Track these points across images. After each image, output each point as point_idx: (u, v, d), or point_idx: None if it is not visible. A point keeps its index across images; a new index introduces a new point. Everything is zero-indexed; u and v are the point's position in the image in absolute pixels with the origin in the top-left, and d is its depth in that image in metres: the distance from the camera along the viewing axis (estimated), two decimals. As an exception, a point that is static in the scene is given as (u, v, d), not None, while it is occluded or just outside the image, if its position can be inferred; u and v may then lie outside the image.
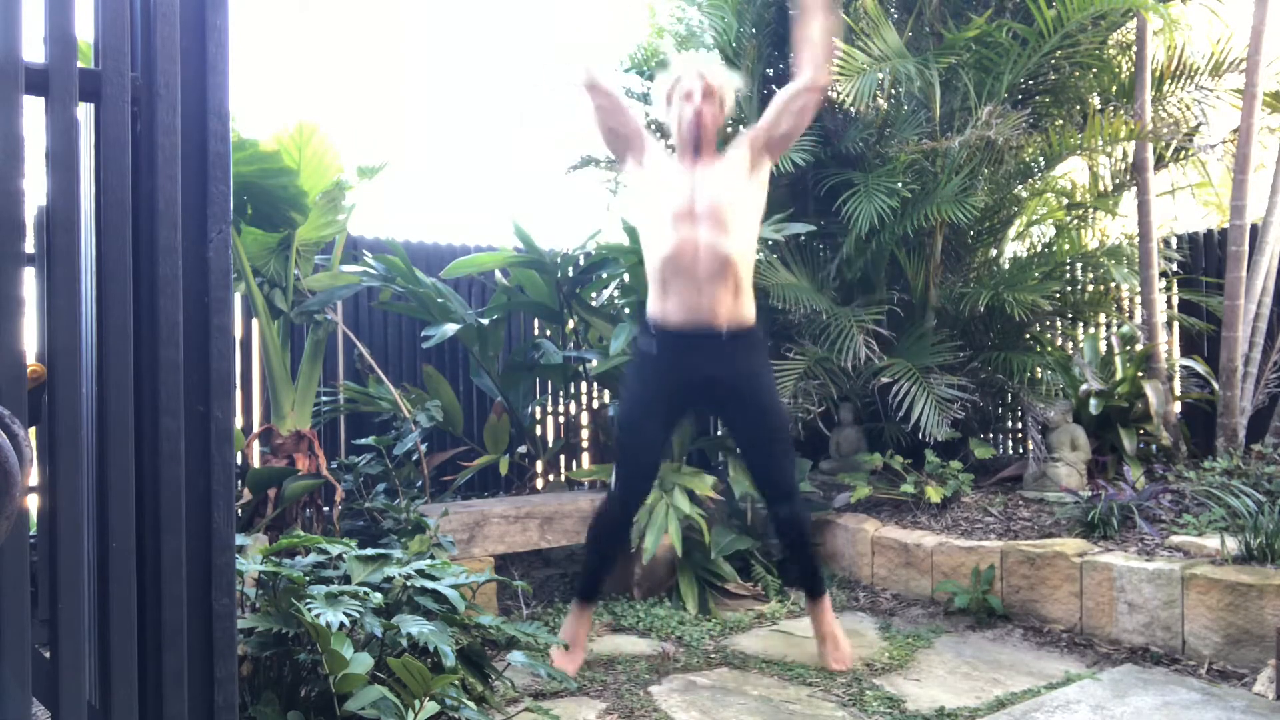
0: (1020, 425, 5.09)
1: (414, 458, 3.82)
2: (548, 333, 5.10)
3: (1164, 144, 4.29)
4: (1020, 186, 4.49)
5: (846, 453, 4.42)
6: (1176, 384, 4.54)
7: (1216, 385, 4.16)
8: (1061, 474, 3.81)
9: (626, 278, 4.02)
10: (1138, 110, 4.17)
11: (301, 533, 2.63)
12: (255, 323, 3.57)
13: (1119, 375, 4.35)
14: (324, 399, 4.18)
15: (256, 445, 3.94)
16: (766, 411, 2.75)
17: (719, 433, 4.86)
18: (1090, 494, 3.49)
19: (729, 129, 2.81)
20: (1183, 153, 4.45)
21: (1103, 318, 5.01)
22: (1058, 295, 4.43)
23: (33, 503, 1.51)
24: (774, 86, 4.60)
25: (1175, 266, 4.83)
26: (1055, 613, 3.08)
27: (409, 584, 1.99)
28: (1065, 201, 4.85)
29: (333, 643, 1.68)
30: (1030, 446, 4.01)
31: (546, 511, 3.52)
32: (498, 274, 4.61)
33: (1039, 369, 4.29)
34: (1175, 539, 3.03)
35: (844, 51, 3.86)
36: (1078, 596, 3.01)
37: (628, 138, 2.79)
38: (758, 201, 2.78)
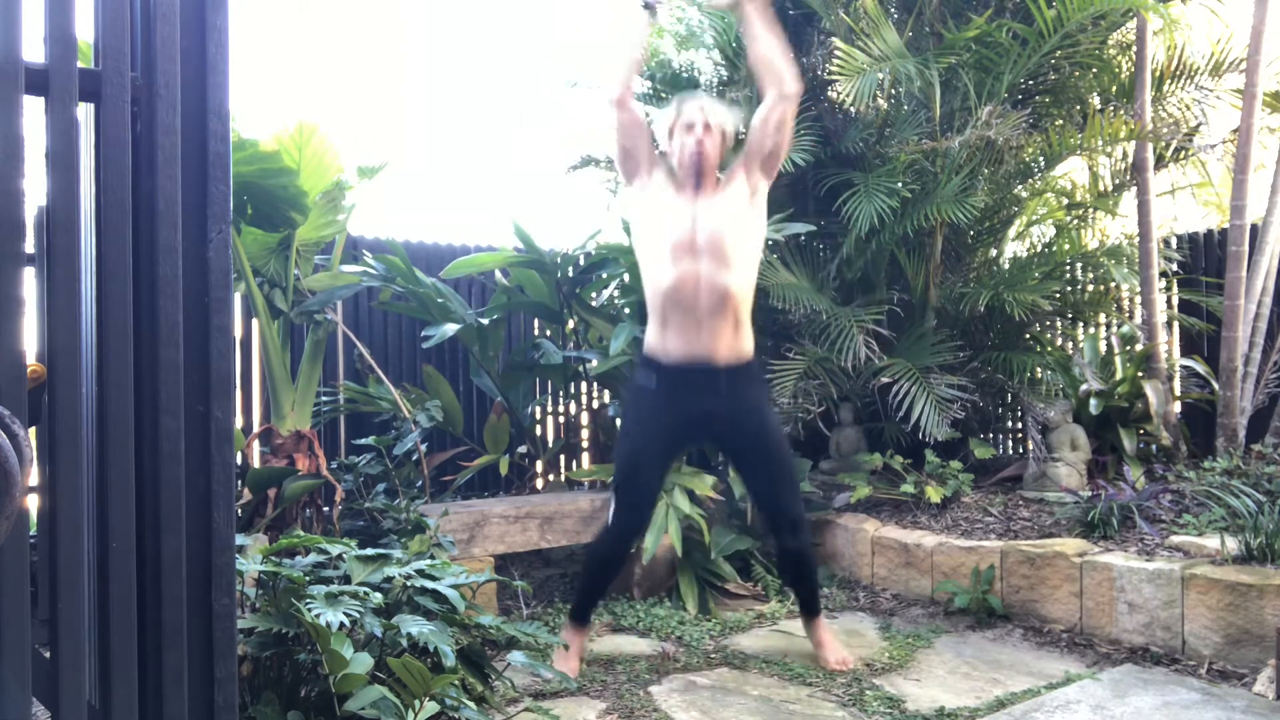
0: (1020, 425, 5.09)
1: (414, 458, 3.82)
2: (548, 333, 5.10)
3: (1164, 144, 4.29)
4: (1020, 186, 4.49)
5: (846, 453, 4.42)
6: (1176, 384, 4.54)
7: (1216, 385, 4.16)
8: (1061, 474, 3.81)
9: (626, 278, 4.01)
10: (1138, 110, 4.17)
11: (301, 533, 2.63)
12: (255, 323, 3.57)
13: (1119, 375, 4.35)
14: (324, 399, 4.18)
15: (256, 445, 3.94)
16: (770, 446, 2.74)
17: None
18: (1090, 494, 3.49)
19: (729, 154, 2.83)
20: (1183, 153, 4.45)
21: (1103, 318, 5.01)
22: (1058, 295, 4.43)
23: (33, 503, 1.51)
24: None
25: (1175, 266, 4.83)
26: (1055, 613, 3.08)
27: (409, 584, 1.99)
28: (1065, 201, 4.85)
29: (333, 643, 1.68)
30: (1030, 446, 4.01)
31: (546, 511, 3.52)
32: (498, 274, 4.61)
33: (1039, 369, 4.29)
34: (1175, 539, 3.03)
35: (844, 51, 3.86)
36: (1078, 596, 3.01)
37: (639, 161, 2.78)
38: (759, 230, 2.79)
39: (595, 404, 5.19)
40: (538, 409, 5.00)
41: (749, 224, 2.72)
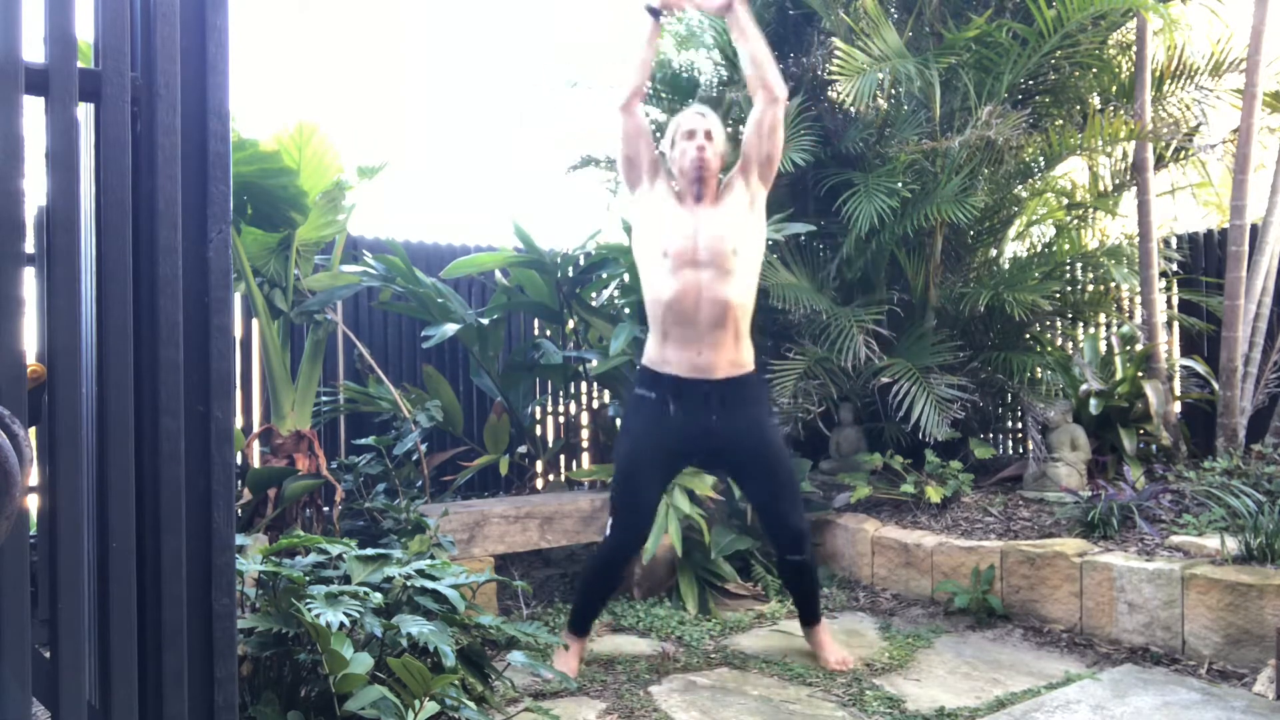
0: (1020, 425, 5.09)
1: (414, 458, 3.82)
2: (548, 333, 5.10)
3: (1164, 144, 4.29)
4: (1020, 186, 4.49)
5: (846, 453, 4.42)
6: (1176, 384, 4.54)
7: (1216, 385, 4.16)
8: (1061, 474, 3.81)
9: (626, 278, 4.01)
10: (1138, 110, 4.17)
11: (301, 533, 2.63)
12: (255, 323, 3.57)
13: (1119, 375, 4.35)
14: (324, 399, 4.19)
15: (256, 445, 3.94)
16: (771, 460, 2.74)
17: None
18: (1090, 494, 3.49)
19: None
20: (1183, 153, 4.45)
21: (1103, 318, 5.01)
22: (1058, 295, 4.43)
23: (33, 503, 1.51)
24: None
25: (1175, 266, 4.83)
26: (1055, 613, 3.08)
27: (409, 584, 1.99)
28: (1065, 201, 4.85)
29: (333, 643, 1.68)
30: (1030, 446, 4.01)
31: (546, 511, 3.52)
32: (498, 274, 4.61)
33: (1039, 369, 4.29)
34: (1175, 539, 3.03)
35: (844, 51, 3.86)
36: (1078, 596, 3.01)
37: (641, 169, 2.79)
38: (759, 239, 2.79)
39: (595, 404, 5.19)
40: (538, 409, 5.00)
41: (750, 233, 2.72)
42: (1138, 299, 4.69)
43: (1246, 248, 3.97)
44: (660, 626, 3.20)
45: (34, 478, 1.25)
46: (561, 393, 5.12)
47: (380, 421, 4.16)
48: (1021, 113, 3.86)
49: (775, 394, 3.88)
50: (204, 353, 1.28)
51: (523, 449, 4.58)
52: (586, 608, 2.82)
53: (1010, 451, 5.24)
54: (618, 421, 4.06)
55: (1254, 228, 4.12)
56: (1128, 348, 4.63)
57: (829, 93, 4.48)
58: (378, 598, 1.82)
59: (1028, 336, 4.66)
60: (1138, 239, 4.33)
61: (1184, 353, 4.83)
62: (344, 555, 2.06)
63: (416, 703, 1.68)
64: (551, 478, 4.59)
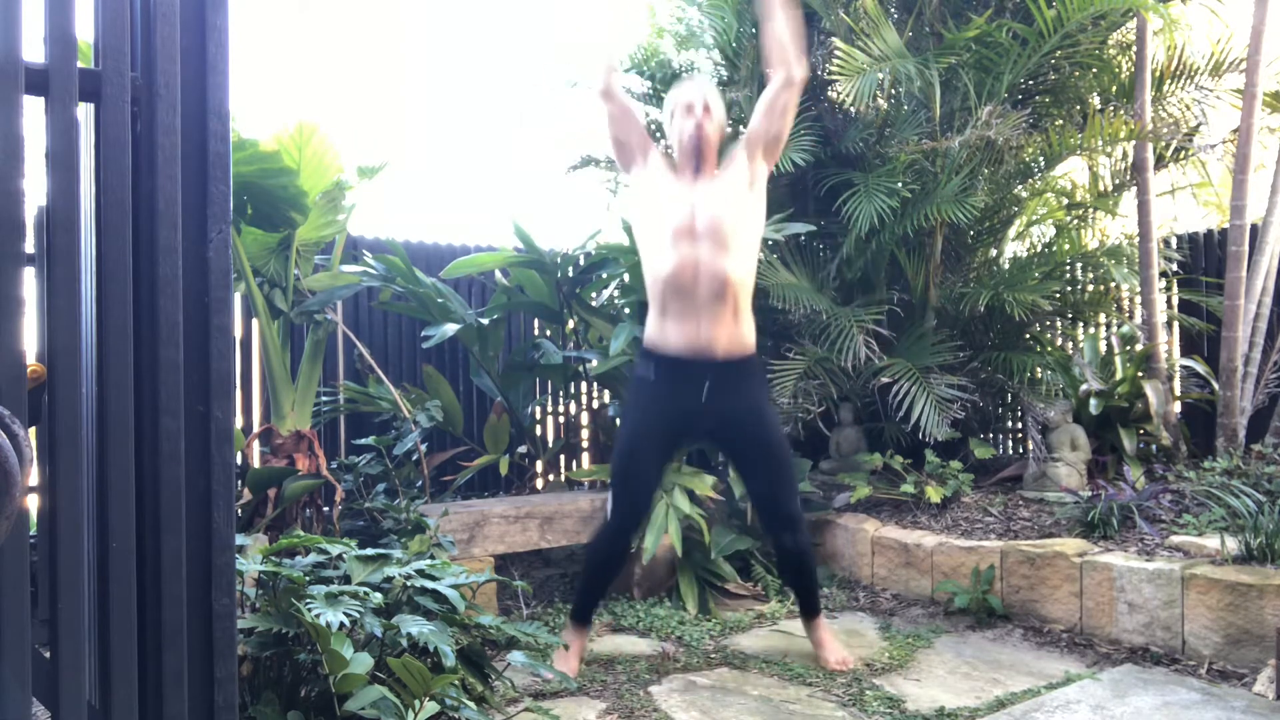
0: (1020, 425, 5.09)
1: (414, 458, 3.82)
2: (548, 333, 5.10)
3: (1164, 144, 4.29)
4: (1020, 186, 4.49)
5: (846, 453, 4.42)
6: (1176, 384, 4.54)
7: (1216, 385, 4.16)
8: (1061, 474, 3.81)
9: (626, 278, 4.02)
10: (1138, 110, 4.17)
11: (301, 533, 2.63)
12: (255, 323, 3.57)
13: (1119, 375, 4.35)
14: (324, 399, 4.19)
15: (256, 445, 3.94)
16: (768, 442, 2.73)
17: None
18: (1090, 494, 3.49)
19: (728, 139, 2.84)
20: (1183, 153, 4.45)
21: (1103, 318, 5.01)
22: (1058, 295, 4.43)
23: (33, 503, 1.51)
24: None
25: (1175, 266, 4.83)
26: (1055, 613, 3.08)
27: (409, 584, 1.99)
28: (1065, 201, 4.85)
29: (333, 643, 1.68)
30: (1030, 446, 4.01)
31: (546, 511, 3.52)
32: (498, 274, 4.61)
33: (1039, 369, 4.29)
34: (1175, 539, 3.03)
35: (844, 51, 3.86)
36: (1078, 596, 3.01)
37: (633, 149, 2.79)
38: (758, 216, 2.77)
39: (595, 404, 5.19)
40: (538, 409, 5.00)
41: (748, 209, 2.71)
42: (1138, 299, 4.69)
43: (1246, 248, 3.97)
44: (660, 626, 3.20)
45: (34, 478, 1.25)
46: (561, 393, 5.12)
47: (380, 421, 4.16)
48: (1021, 113, 3.86)
49: (775, 394, 3.88)
50: (204, 353, 1.28)
51: (523, 449, 4.58)
52: (589, 595, 2.81)
53: (1010, 451, 5.24)
54: (618, 421, 4.06)
55: (1254, 228, 4.12)
56: (1128, 348, 4.64)
57: (829, 93, 4.49)
58: (378, 598, 1.82)
59: (1028, 336, 4.66)
60: (1138, 239, 4.33)
61: (1184, 353, 4.83)
62: (344, 555, 2.06)
63: (416, 703, 1.68)
64: (551, 478, 4.59)
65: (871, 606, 3.52)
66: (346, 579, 2.00)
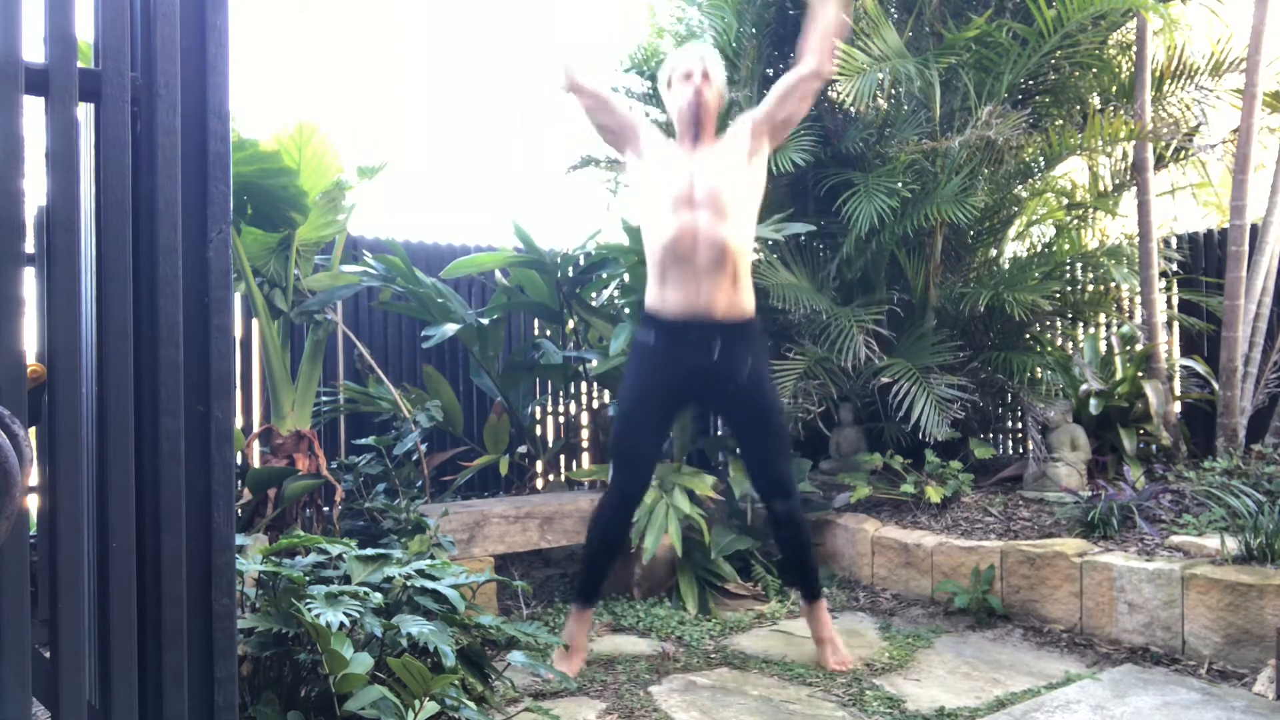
0: (1020, 425, 5.09)
1: (414, 458, 3.82)
2: (548, 333, 5.10)
3: (1164, 144, 4.29)
4: (1020, 186, 4.49)
5: (846, 453, 4.42)
6: (1176, 384, 4.54)
7: (1216, 385, 4.16)
8: (1061, 474, 3.81)
9: (626, 278, 4.02)
10: (1138, 110, 4.17)
11: (301, 533, 2.63)
12: (255, 323, 3.57)
13: (1119, 375, 4.35)
14: (324, 399, 4.19)
15: (256, 445, 3.94)
16: (764, 408, 2.74)
17: (719, 433, 4.87)
18: (1090, 494, 3.49)
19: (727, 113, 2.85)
20: (1183, 153, 4.45)
21: (1103, 318, 5.01)
22: (1058, 295, 4.43)
23: (33, 503, 1.51)
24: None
25: (1175, 266, 4.83)
26: (1055, 613, 3.08)
27: (409, 584, 1.99)
28: (1065, 201, 4.85)
29: (333, 643, 1.68)
30: (1030, 446, 4.00)
31: (546, 511, 3.52)
32: (498, 274, 4.61)
33: (1039, 369, 4.29)
34: (1175, 539, 3.03)
35: (844, 51, 3.85)
36: (1078, 596, 3.01)
37: (619, 131, 2.80)
38: (757, 186, 2.78)
39: (595, 404, 5.19)
40: (538, 409, 5.01)
41: (746, 179, 2.72)
42: (1138, 299, 4.69)
43: (1246, 248, 3.97)
44: (660, 626, 3.20)
45: (34, 478, 1.25)
46: (561, 393, 5.12)
47: (380, 421, 4.16)
48: (1021, 113, 3.86)
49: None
50: (204, 353, 1.28)
51: (523, 449, 4.58)
52: (593, 573, 2.80)
53: (1010, 451, 5.24)
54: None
55: (1254, 228, 4.12)
56: (1128, 348, 4.63)
57: (829, 93, 4.48)
58: (378, 598, 1.82)
59: (1028, 336, 4.66)
60: (1138, 239, 4.33)
61: (1184, 353, 4.83)
62: (344, 555, 2.06)
63: (416, 703, 1.68)
64: (551, 478, 4.59)
65: (871, 606, 3.52)
66: (346, 579, 2.00)
